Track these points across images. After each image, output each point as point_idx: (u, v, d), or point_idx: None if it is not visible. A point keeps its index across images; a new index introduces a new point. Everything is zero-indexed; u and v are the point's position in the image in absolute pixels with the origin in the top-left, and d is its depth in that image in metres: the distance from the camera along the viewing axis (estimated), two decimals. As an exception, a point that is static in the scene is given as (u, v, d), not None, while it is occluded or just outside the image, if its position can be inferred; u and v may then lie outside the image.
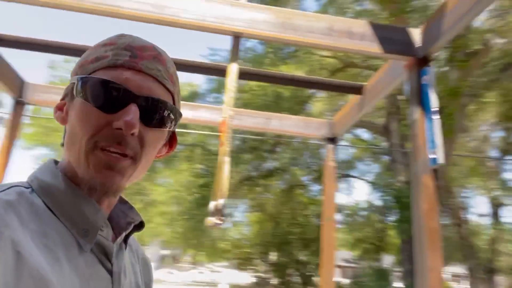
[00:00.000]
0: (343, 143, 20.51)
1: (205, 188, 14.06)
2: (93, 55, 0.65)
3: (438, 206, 1.96)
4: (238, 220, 25.01)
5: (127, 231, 0.69)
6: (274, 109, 10.96)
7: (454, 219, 17.63)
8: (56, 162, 0.68)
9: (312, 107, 14.82)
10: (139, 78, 0.62)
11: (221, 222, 1.83)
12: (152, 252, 44.71)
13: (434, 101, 2.02)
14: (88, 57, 0.65)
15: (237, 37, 2.10)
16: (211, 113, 3.33)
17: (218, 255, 28.41)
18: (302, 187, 21.32)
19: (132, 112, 0.59)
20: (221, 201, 1.85)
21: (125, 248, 0.70)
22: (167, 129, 0.68)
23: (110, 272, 0.63)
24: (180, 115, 0.70)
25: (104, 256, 0.63)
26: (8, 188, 0.58)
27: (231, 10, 2.05)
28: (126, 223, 0.69)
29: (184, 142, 14.40)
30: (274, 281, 27.06)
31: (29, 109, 3.34)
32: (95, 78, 0.61)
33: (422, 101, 2.07)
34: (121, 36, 0.67)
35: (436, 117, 2.00)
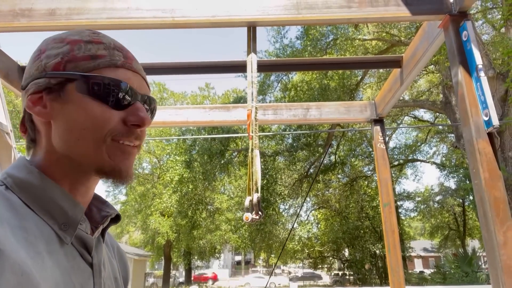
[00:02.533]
0: (401, 128, 19.50)
1: (264, 190, 14.10)
2: (82, 52, 0.65)
3: (500, 173, 1.73)
4: (304, 219, 24.73)
5: (105, 225, 0.71)
6: (322, 102, 10.72)
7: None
8: (27, 159, 0.68)
9: (362, 95, 14.26)
10: (136, 78, 0.69)
11: (258, 218, 1.77)
12: (225, 259, 45.90)
13: (478, 58, 1.79)
14: (75, 53, 0.64)
15: (251, 26, 2.03)
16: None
17: (289, 256, 28.35)
18: (365, 178, 20.58)
19: (143, 109, 0.67)
20: (256, 196, 1.79)
21: (103, 241, 0.71)
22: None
23: (91, 264, 0.65)
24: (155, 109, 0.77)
25: (84, 249, 0.64)
26: None
27: (241, 0, 1.99)
28: (101, 217, 0.71)
29: (236, 148, 14.60)
30: (351, 277, 26.37)
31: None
32: (105, 77, 0.64)
33: (465, 60, 1.85)
34: (97, 33, 0.69)
35: (483, 75, 1.77)
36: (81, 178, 0.66)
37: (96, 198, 0.74)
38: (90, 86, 0.63)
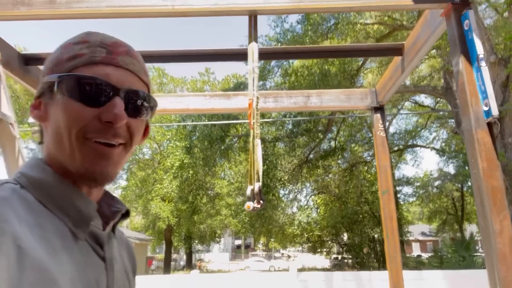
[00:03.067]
0: (402, 112, 19.45)
1: (265, 175, 14.18)
2: (68, 54, 0.66)
3: (498, 163, 1.75)
4: (304, 204, 24.92)
5: (115, 220, 0.73)
6: (322, 88, 10.66)
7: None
8: (41, 158, 0.69)
9: (362, 80, 14.18)
10: (119, 73, 0.66)
11: (259, 206, 1.80)
12: (225, 243, 46.46)
13: (479, 48, 1.79)
14: (62, 56, 0.67)
15: (253, 15, 2.02)
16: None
17: (289, 241, 28.68)
18: (364, 163, 20.65)
19: (119, 105, 0.64)
20: (257, 185, 1.82)
21: (114, 236, 0.73)
22: (147, 118, 0.72)
23: (103, 259, 0.66)
24: (156, 103, 0.74)
25: (97, 245, 0.66)
26: (1, 185, 0.60)
27: (242, -12, 1.98)
28: (111, 212, 0.73)
29: (236, 134, 14.60)
30: (349, 261, 26.75)
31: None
32: (77, 75, 0.64)
33: (466, 49, 1.85)
34: (90, 33, 0.70)
35: (484, 65, 1.77)
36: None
37: (106, 193, 0.76)
38: (65, 86, 0.63)
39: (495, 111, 1.71)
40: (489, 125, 1.77)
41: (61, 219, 0.61)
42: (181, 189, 18.42)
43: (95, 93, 0.63)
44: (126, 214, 0.76)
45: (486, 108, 1.76)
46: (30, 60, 2.73)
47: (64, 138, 0.63)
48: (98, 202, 0.72)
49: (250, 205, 1.79)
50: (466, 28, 1.87)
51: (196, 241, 28.42)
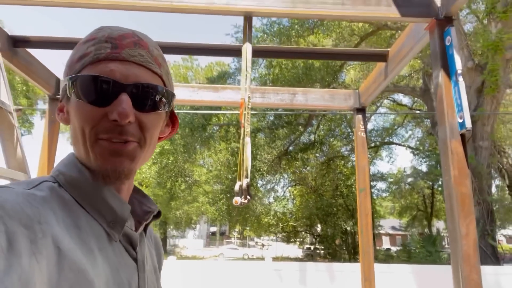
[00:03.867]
0: (381, 110, 19.89)
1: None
2: (78, 54, 0.66)
3: (468, 172, 1.90)
4: (281, 195, 25.24)
5: (147, 221, 0.73)
6: (305, 81, 10.78)
7: (506, 180, 16.74)
8: (75, 156, 0.69)
9: (345, 76, 14.40)
10: (123, 67, 0.63)
11: (246, 201, 1.89)
12: (200, 229, 46.55)
13: (458, 63, 1.92)
14: (74, 56, 0.67)
15: (248, 16, 2.08)
16: (237, 93, 3.36)
17: (264, 230, 29.05)
18: (342, 158, 21.07)
19: (123, 102, 0.62)
20: (245, 181, 1.90)
21: (145, 236, 0.74)
22: (162, 110, 0.69)
23: (135, 260, 0.67)
24: (173, 95, 0.71)
25: (130, 245, 0.67)
26: (39, 184, 0.60)
27: (239, -10, 2.03)
28: (143, 212, 0.73)
29: (218, 123, 14.61)
30: (321, 252, 27.39)
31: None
32: (82, 76, 0.63)
33: (446, 64, 1.98)
34: (100, 29, 0.68)
35: (461, 80, 1.91)
36: None
37: (136, 191, 0.76)
38: (74, 88, 0.63)
39: (468, 124, 1.85)
40: (462, 136, 1.91)
41: (96, 219, 0.62)
42: (160, 175, 18.34)
43: (100, 92, 0.62)
44: (158, 215, 0.76)
45: (460, 120, 1.90)
46: (18, 42, 2.70)
47: (80, 139, 0.64)
48: (130, 200, 0.73)
49: (238, 200, 1.88)
50: (447, 43, 1.99)
51: (172, 227, 28.43)
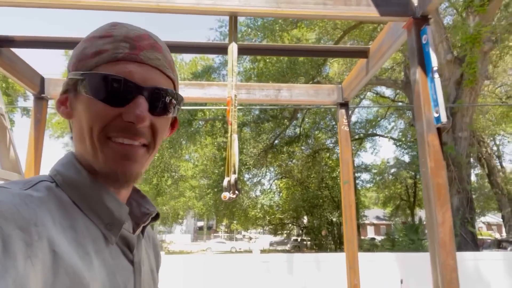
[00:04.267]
0: (364, 102, 20.17)
1: (230, 160, 14.30)
2: (91, 49, 0.64)
3: (444, 163, 2.01)
4: (267, 188, 25.42)
5: (146, 223, 0.72)
6: (290, 75, 10.86)
7: (486, 168, 17.27)
8: (74, 155, 0.68)
9: (328, 69, 14.55)
10: (142, 70, 0.63)
11: (234, 197, 1.96)
12: (188, 224, 46.52)
13: (434, 60, 2.02)
14: (86, 51, 0.65)
15: (233, 16, 2.14)
16: (223, 90, 3.42)
17: (251, 223, 29.25)
18: (327, 150, 21.34)
19: (141, 105, 0.61)
20: (233, 177, 1.97)
21: (142, 238, 0.72)
22: (173, 115, 0.70)
23: (132, 262, 0.66)
24: (182, 99, 0.71)
25: (127, 248, 0.66)
26: (36, 184, 0.59)
27: (224, -10, 2.09)
28: (142, 214, 0.72)
29: (204, 118, 14.60)
30: (308, 243, 27.77)
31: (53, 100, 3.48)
32: (99, 74, 0.62)
33: (423, 61, 2.08)
34: (115, 26, 0.67)
35: (437, 76, 2.01)
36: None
37: (136, 191, 0.75)
38: (88, 84, 0.62)
39: (444, 118, 1.96)
40: (438, 130, 2.02)
41: (93, 221, 0.61)
42: (146, 171, 18.13)
43: (117, 93, 0.61)
44: (156, 217, 0.75)
45: (436, 115, 2.01)
46: (2, 42, 2.69)
47: (86, 137, 0.62)
48: (128, 201, 0.72)
49: (226, 195, 1.95)
50: (424, 41, 2.09)
51: (158, 223, 28.36)
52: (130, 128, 0.62)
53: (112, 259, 0.62)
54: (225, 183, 1.97)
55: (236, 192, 1.97)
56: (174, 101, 0.67)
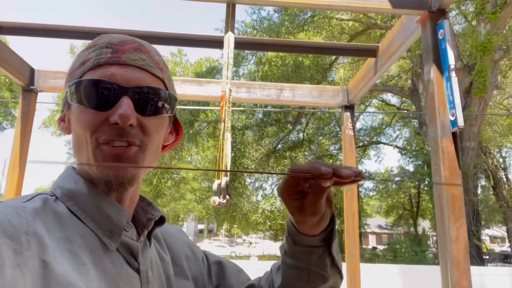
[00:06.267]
0: (369, 109, 19.99)
1: (232, 163, 14.18)
2: (79, 61, 0.66)
3: (459, 172, 1.81)
4: (269, 193, 25.23)
5: (149, 228, 0.70)
6: (295, 79, 10.70)
7: (491, 180, 17.00)
8: (74, 168, 0.69)
9: (334, 75, 14.37)
10: (124, 70, 0.63)
11: (225, 202, 1.77)
12: (188, 226, 46.39)
13: (451, 58, 1.82)
14: (74, 64, 0.67)
15: (231, 3, 1.96)
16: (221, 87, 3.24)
17: (251, 228, 29.05)
18: (330, 156, 21.11)
19: (125, 105, 0.60)
20: (224, 180, 1.78)
21: (150, 245, 0.70)
22: (165, 114, 0.68)
23: (138, 271, 0.64)
24: (175, 99, 0.70)
25: (131, 256, 0.64)
26: (33, 197, 0.60)
27: (222, -25, 1.91)
28: (147, 220, 0.70)
29: (206, 119, 14.45)
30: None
31: (53, 96, 3.33)
32: (82, 80, 0.62)
33: (438, 58, 1.88)
34: (101, 36, 0.68)
35: (454, 75, 1.81)
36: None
37: (142, 199, 0.74)
38: (75, 94, 0.63)
39: (460, 122, 1.76)
40: (454, 135, 1.82)
41: (92, 230, 0.61)
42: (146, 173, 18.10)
43: (101, 97, 0.61)
44: (161, 221, 0.73)
45: (452, 118, 1.81)
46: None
47: (82, 146, 0.63)
48: (135, 209, 0.71)
49: (216, 200, 1.76)
50: (440, 37, 1.90)
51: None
52: (117, 130, 0.61)
53: (114, 267, 0.60)
54: (215, 186, 1.78)
55: (227, 197, 1.77)
56: (163, 100, 0.66)
